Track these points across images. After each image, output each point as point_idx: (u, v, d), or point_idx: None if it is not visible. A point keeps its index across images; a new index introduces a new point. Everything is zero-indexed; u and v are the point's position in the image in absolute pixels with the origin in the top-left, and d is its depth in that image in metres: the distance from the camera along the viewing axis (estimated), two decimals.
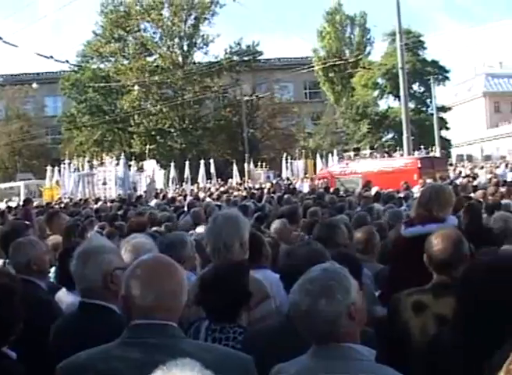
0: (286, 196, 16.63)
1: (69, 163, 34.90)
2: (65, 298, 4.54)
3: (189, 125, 56.73)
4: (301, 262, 3.35)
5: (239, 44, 58.63)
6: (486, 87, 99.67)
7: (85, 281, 3.43)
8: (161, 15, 56.88)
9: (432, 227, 4.45)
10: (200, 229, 8.91)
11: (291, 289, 2.71)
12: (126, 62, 58.59)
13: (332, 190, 19.64)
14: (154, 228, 9.46)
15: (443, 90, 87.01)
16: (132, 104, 55.97)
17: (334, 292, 2.55)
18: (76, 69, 56.34)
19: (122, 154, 37.03)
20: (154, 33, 58.92)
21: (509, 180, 20.93)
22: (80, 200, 25.63)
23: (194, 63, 58.93)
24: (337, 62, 52.94)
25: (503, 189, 14.25)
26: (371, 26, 65.54)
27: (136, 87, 51.88)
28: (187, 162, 41.24)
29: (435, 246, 3.76)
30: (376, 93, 60.74)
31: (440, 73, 59.70)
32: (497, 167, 31.52)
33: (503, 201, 11.20)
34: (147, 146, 45.23)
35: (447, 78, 61.71)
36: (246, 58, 58.11)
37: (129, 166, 34.32)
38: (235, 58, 58.10)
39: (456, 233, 3.89)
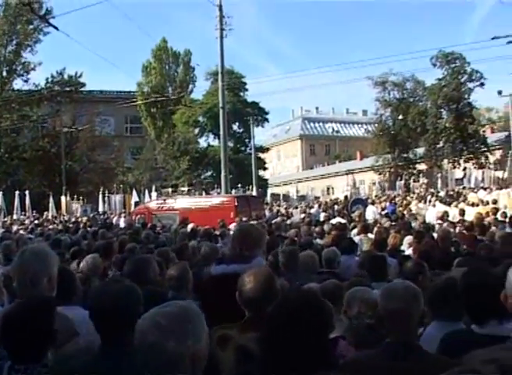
0: (101, 231, 16.31)
1: None
2: None
3: (4, 154, 54.43)
4: (112, 300, 3.29)
5: (61, 73, 57.20)
6: (303, 130, 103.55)
7: None
8: None
9: (235, 267, 4.52)
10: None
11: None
12: None
13: (149, 226, 19.49)
14: None
15: (262, 131, 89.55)
16: None
17: (187, 334, 2.49)
18: None
19: None
20: None
21: (321, 219, 21.66)
22: None
23: (13, 90, 56.78)
24: (160, 99, 53.13)
25: (316, 228, 14.73)
26: (195, 64, 66.46)
27: None
28: (1, 193, 39.64)
29: (246, 284, 3.83)
30: (197, 130, 61.46)
31: (260, 114, 61.34)
32: (311, 207, 32.59)
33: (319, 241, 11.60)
34: None
35: (266, 120, 63.49)
36: (67, 89, 56.75)
37: None
38: (56, 87, 56.61)
39: (267, 271, 3.97)
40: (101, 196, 44.62)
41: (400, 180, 54.35)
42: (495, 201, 24.31)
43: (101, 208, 43.06)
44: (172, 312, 2.56)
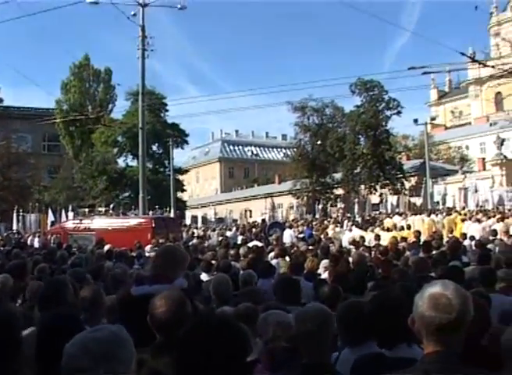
0: (15, 250, 15.94)
1: None
2: None
3: None
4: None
5: None
6: (222, 152, 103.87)
7: None
8: None
9: (158, 288, 4.50)
10: None
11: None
12: None
13: (64, 246, 19.15)
14: None
15: (181, 152, 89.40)
16: None
17: (117, 359, 2.45)
18: None
19: None
20: None
21: (239, 242, 21.71)
22: None
23: None
24: (79, 117, 52.40)
25: (232, 251, 14.73)
26: (116, 83, 65.98)
27: None
28: None
29: (157, 308, 3.79)
30: (116, 150, 60.83)
31: (179, 135, 61.20)
32: (229, 230, 32.59)
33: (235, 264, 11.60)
34: None
35: (186, 141, 63.44)
36: None
37: None
38: None
39: (179, 295, 3.95)
40: (15, 215, 43.56)
41: (318, 204, 55.03)
42: (409, 227, 24.87)
43: (15, 227, 42.03)
44: (103, 337, 2.53)
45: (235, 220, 57.27)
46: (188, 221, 55.33)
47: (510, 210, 32.35)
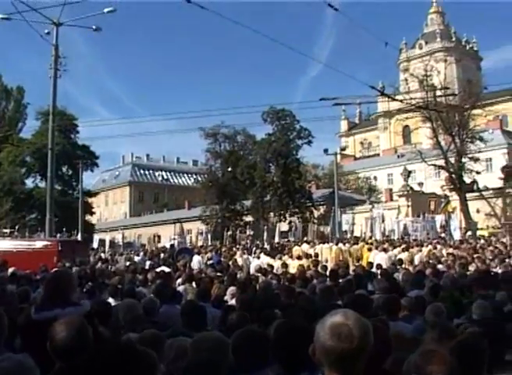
0: None
1: None
2: None
3: None
4: None
5: None
6: (132, 176, 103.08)
7: None
8: None
9: (59, 312, 4.42)
10: None
11: None
12: None
13: None
14: None
15: (91, 175, 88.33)
16: None
17: None
18: None
19: None
20: None
21: (147, 267, 21.53)
22: None
23: None
24: None
25: (140, 276, 14.60)
26: (26, 102, 64.89)
27: None
28: None
29: (57, 333, 3.70)
30: (24, 170, 59.60)
31: (90, 158, 60.52)
32: (137, 254, 32.24)
33: (142, 290, 11.47)
34: None
35: (96, 164, 62.78)
36: None
37: None
38: None
39: (80, 320, 3.87)
40: None
41: (227, 230, 55.06)
42: (317, 255, 25.17)
43: None
44: (8, 367, 2.47)
45: (143, 245, 56.71)
46: (95, 244, 54.47)
47: (414, 240, 33.14)
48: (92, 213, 64.63)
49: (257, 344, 4.39)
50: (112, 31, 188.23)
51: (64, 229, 41.72)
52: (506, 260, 21.26)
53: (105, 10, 30.09)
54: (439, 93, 47.79)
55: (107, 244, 56.84)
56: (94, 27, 31.77)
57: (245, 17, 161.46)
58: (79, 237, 41.80)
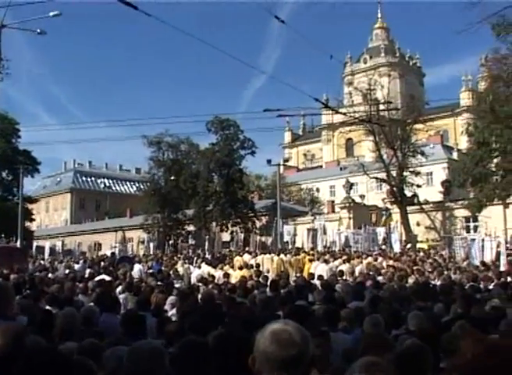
0: None
1: None
2: None
3: None
4: None
5: None
6: (74, 183, 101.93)
7: None
8: None
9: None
10: None
11: None
12: None
13: None
14: None
15: (32, 181, 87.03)
16: None
17: None
18: None
19: None
20: None
21: (86, 275, 21.29)
22: None
23: None
24: None
25: (80, 284, 14.47)
26: None
27: None
28: None
29: None
30: None
31: (31, 163, 59.63)
32: (76, 262, 31.85)
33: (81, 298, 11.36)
34: None
35: (37, 170, 61.89)
36: None
37: None
38: None
39: (15, 328, 3.81)
40: None
41: (169, 239, 54.81)
42: (258, 265, 25.23)
43: None
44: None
45: (83, 253, 55.94)
46: (35, 252, 53.61)
47: (355, 252, 33.50)
48: (32, 220, 63.61)
49: (197, 354, 4.39)
50: (58, 36, 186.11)
51: (2, 235, 40.98)
52: (445, 272, 21.65)
53: (51, 14, 29.67)
54: (382, 107, 48.52)
55: (46, 251, 56.02)
56: (38, 31, 31.32)
57: (191, 27, 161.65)
58: (18, 244, 41.12)
